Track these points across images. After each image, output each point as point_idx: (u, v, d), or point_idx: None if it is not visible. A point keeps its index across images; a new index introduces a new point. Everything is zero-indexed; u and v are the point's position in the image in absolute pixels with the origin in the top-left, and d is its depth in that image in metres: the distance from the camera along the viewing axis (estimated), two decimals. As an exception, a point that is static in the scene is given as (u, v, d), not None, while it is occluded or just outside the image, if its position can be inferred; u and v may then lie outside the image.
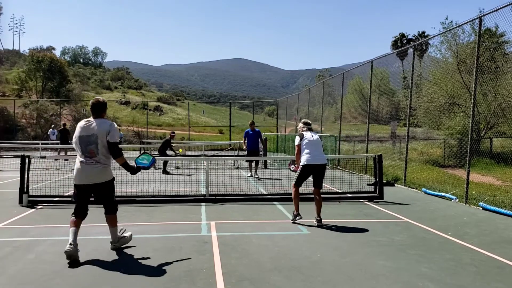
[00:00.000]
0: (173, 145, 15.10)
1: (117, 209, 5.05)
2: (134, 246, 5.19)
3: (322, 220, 6.42)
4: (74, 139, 4.84)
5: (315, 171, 6.44)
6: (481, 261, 4.74)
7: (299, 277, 4.15)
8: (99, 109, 4.86)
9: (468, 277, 4.22)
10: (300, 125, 6.90)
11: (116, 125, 4.93)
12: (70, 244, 4.51)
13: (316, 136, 6.63)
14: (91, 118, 4.87)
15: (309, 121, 6.99)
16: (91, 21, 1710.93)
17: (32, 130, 32.64)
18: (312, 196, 6.61)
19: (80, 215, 4.81)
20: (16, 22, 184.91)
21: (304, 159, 6.44)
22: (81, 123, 4.86)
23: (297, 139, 6.65)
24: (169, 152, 14.42)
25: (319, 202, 6.46)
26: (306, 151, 6.45)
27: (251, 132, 12.75)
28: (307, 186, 6.87)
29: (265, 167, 15.19)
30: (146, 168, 5.10)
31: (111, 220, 4.99)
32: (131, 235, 5.25)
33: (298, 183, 6.54)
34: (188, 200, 8.50)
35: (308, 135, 6.60)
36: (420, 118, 19.87)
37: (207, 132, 45.65)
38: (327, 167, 6.94)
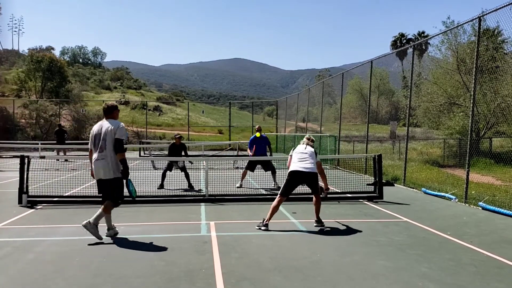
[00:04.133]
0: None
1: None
2: (134, 246, 5.19)
3: (324, 224, 6.33)
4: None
5: (304, 180, 6.29)
6: (481, 261, 4.74)
7: (299, 277, 4.15)
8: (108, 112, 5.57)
9: (468, 277, 4.22)
10: (304, 139, 6.87)
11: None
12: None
13: (309, 149, 6.51)
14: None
15: (312, 137, 6.91)
16: (91, 21, 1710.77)
17: (32, 130, 32.61)
18: (310, 196, 6.60)
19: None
20: (16, 22, 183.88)
21: (291, 167, 6.40)
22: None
23: (291, 151, 6.74)
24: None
25: (317, 205, 6.35)
26: (294, 160, 6.44)
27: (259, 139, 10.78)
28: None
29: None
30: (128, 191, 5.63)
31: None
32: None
33: (284, 192, 6.31)
34: (188, 200, 8.51)
35: (301, 147, 6.60)
36: (419, 118, 19.86)
37: (206, 132, 45.64)
38: (327, 167, 6.82)
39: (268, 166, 10.61)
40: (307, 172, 6.25)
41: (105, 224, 5.57)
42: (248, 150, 11.08)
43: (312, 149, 6.56)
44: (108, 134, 5.35)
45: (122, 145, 5.37)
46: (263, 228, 6.09)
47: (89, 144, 5.60)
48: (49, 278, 4.08)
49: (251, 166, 10.71)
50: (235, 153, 24.50)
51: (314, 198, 6.41)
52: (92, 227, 5.27)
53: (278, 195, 6.33)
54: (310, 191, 6.48)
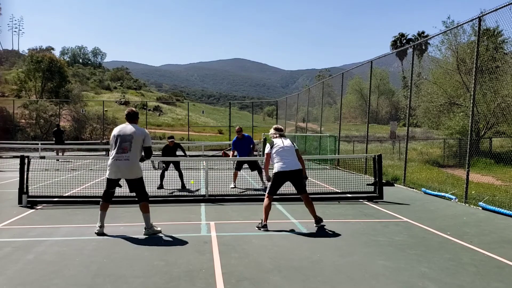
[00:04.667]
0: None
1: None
2: (134, 246, 5.20)
3: (323, 220, 6.28)
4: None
5: (290, 178, 6.18)
6: (481, 261, 4.74)
7: (299, 277, 4.15)
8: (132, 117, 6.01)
9: (468, 277, 4.22)
10: (271, 131, 6.61)
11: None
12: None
13: (287, 142, 6.36)
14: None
15: (280, 126, 6.73)
16: (91, 21, 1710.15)
17: (32, 131, 32.61)
18: (312, 196, 6.53)
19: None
20: (15, 22, 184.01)
21: (276, 166, 6.20)
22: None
23: (267, 147, 6.41)
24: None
25: (310, 205, 6.25)
26: (277, 158, 6.21)
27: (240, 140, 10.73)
28: (313, 186, 6.82)
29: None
30: None
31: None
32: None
33: (272, 191, 6.24)
34: (188, 200, 8.51)
35: (278, 142, 6.34)
36: (419, 118, 19.86)
37: (206, 132, 45.63)
38: (327, 167, 6.72)
39: (254, 166, 10.61)
40: (293, 170, 6.16)
41: (98, 223, 5.80)
42: (231, 152, 11.03)
43: (289, 140, 6.47)
44: (134, 138, 5.69)
45: (151, 152, 5.93)
46: (262, 229, 6.08)
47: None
48: (49, 278, 4.08)
49: (238, 166, 10.80)
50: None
51: (304, 199, 6.29)
52: (149, 231, 5.76)
53: (266, 195, 6.27)
54: (309, 192, 6.41)
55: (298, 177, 6.20)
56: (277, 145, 6.33)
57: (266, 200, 6.25)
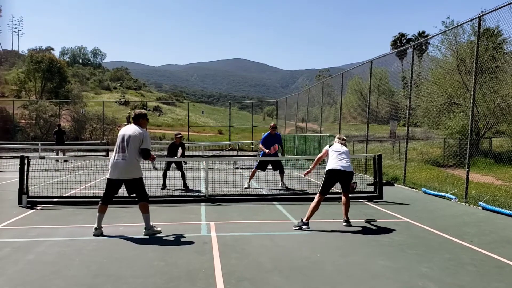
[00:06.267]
0: None
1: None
2: (134, 246, 5.20)
3: (341, 221, 6.43)
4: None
5: (341, 179, 6.38)
6: (481, 261, 4.74)
7: (299, 277, 4.15)
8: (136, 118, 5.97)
9: (468, 277, 4.22)
10: (336, 139, 6.94)
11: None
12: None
13: (344, 149, 6.64)
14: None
15: (344, 137, 7.04)
16: (91, 22, 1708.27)
17: (32, 131, 32.60)
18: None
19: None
20: (15, 22, 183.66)
21: (330, 165, 6.44)
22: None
23: (326, 146, 6.81)
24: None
25: (346, 205, 6.43)
26: (332, 158, 6.49)
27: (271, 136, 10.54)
28: (313, 187, 6.82)
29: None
30: None
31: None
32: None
33: (323, 191, 6.35)
34: (188, 201, 8.50)
35: (337, 146, 6.69)
36: (419, 118, 19.90)
37: (206, 133, 45.67)
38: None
39: (277, 165, 10.36)
40: (347, 171, 6.37)
41: (95, 225, 5.77)
42: (262, 147, 10.56)
43: (347, 149, 6.71)
44: (132, 138, 5.70)
45: (149, 153, 5.83)
46: (304, 227, 6.09)
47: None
48: (49, 278, 4.08)
49: (261, 166, 10.44)
50: (235, 153, 24.52)
51: (343, 198, 6.46)
52: (149, 231, 5.78)
53: (318, 195, 6.31)
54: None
55: (348, 179, 6.42)
56: (335, 147, 6.66)
57: (315, 200, 6.27)
